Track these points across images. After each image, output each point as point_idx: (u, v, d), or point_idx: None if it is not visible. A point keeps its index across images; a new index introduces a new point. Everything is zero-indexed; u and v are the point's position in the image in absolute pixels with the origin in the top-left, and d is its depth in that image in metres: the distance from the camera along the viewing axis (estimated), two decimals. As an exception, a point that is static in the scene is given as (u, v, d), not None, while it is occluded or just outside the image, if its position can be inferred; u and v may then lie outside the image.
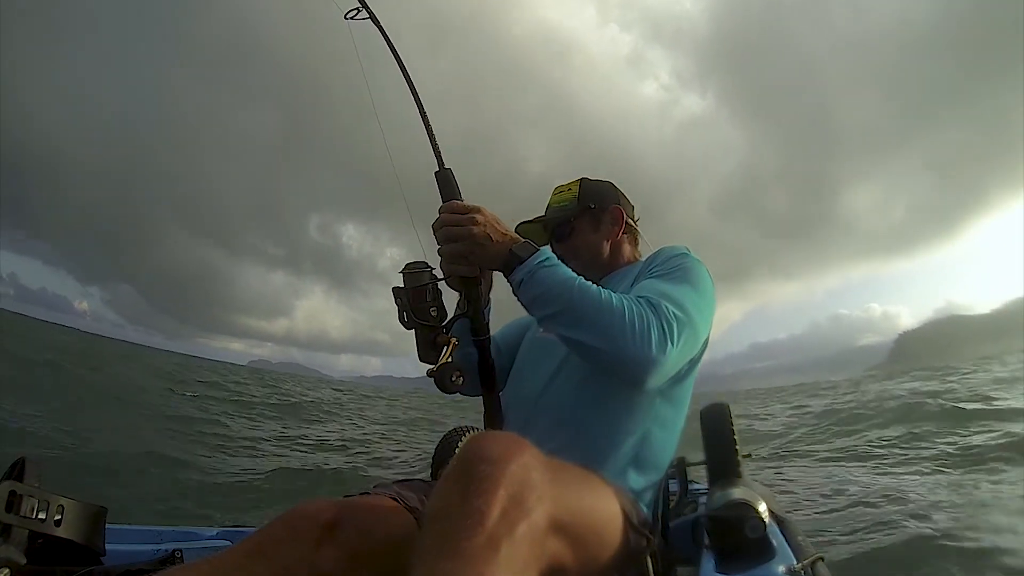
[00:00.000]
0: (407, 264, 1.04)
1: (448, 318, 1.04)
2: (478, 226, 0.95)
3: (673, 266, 1.08)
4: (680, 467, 1.71)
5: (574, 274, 0.96)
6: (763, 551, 0.94)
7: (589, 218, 1.27)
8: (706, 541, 1.01)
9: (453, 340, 1.00)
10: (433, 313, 1.01)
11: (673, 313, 0.91)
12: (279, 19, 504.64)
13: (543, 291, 0.93)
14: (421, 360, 1.02)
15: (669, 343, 0.88)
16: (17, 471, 0.92)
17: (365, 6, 1.16)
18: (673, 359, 0.90)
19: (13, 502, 0.87)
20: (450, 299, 1.08)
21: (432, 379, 0.98)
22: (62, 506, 0.95)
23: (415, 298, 1.00)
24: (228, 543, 1.47)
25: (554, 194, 1.32)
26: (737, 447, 1.59)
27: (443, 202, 1.04)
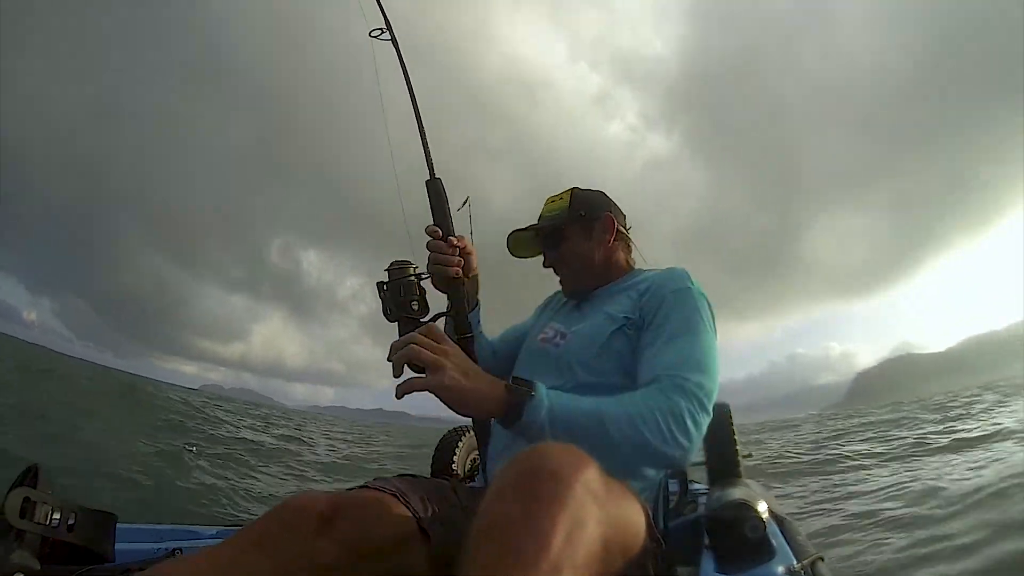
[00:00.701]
0: (392, 262, 1.11)
1: (430, 314, 1.10)
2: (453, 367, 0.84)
3: (684, 312, 1.05)
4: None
5: (584, 405, 0.88)
6: (763, 551, 0.94)
7: (580, 226, 1.26)
8: (706, 541, 1.02)
9: None
10: (415, 307, 1.08)
11: (701, 390, 0.91)
12: (257, 38, 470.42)
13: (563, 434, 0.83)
14: None
15: (703, 420, 0.89)
16: (31, 478, 0.93)
17: (389, 28, 1.23)
18: (704, 430, 0.90)
19: (26, 508, 0.88)
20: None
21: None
22: (74, 512, 0.96)
23: (397, 292, 1.07)
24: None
25: (546, 203, 1.33)
26: (737, 447, 1.60)
27: (433, 218, 1.12)
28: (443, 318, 1.14)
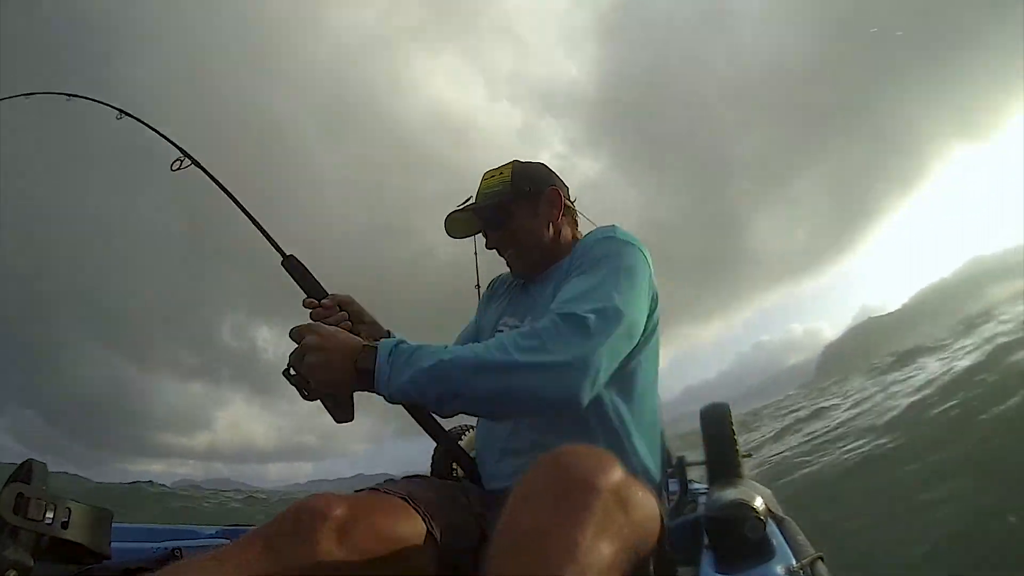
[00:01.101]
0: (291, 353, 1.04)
1: None
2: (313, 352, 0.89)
3: (595, 257, 1.01)
4: (680, 467, 1.71)
5: (432, 352, 0.87)
6: (763, 551, 0.94)
7: (525, 202, 1.17)
8: (706, 541, 1.02)
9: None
10: None
11: (590, 317, 0.85)
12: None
13: (420, 387, 0.84)
14: (338, 421, 1.01)
15: (587, 338, 0.84)
16: (24, 473, 0.92)
17: (187, 155, 1.27)
18: (598, 363, 0.85)
19: (20, 504, 0.87)
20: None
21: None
22: (69, 508, 0.95)
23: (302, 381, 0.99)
24: (227, 542, 1.47)
25: (484, 179, 1.21)
26: (737, 447, 1.59)
27: (304, 292, 1.14)
28: None
